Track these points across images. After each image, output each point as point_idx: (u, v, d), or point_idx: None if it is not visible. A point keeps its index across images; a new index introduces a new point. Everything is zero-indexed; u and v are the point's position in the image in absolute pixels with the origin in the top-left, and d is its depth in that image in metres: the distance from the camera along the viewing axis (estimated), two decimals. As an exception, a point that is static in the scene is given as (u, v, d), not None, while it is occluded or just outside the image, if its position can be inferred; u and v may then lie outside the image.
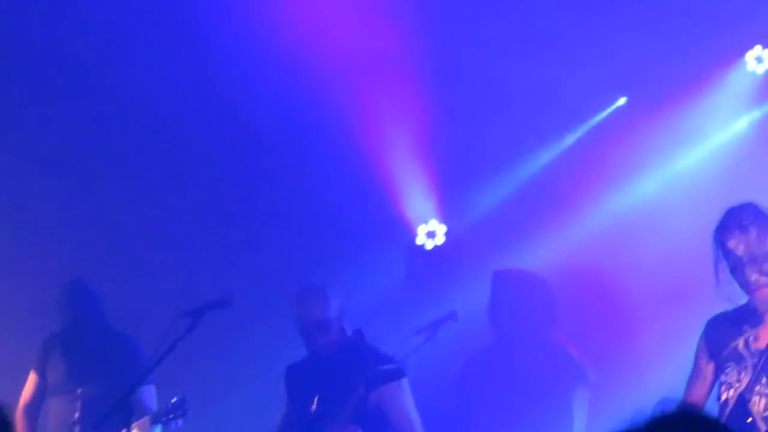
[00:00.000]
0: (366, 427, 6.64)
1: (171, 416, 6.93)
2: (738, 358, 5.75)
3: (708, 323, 5.90)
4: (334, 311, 6.84)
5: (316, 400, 6.75)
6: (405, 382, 6.75)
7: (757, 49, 8.64)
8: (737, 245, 5.77)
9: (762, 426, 5.63)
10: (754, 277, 5.73)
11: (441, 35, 8.61)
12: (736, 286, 5.78)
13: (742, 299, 5.80)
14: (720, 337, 5.83)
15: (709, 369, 5.85)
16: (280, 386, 7.03)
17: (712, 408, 5.77)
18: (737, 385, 5.72)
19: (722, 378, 5.75)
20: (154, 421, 6.97)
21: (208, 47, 8.66)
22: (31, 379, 7.69)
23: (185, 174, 8.94)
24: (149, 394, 7.43)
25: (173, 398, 6.95)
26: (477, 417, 8.03)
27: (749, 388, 5.63)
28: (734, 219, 5.82)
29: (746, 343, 5.79)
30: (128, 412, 6.56)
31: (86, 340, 7.69)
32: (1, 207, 8.65)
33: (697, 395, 5.83)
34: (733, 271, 5.77)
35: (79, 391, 7.53)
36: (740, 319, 5.84)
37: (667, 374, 6.99)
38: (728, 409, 5.64)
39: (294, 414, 6.90)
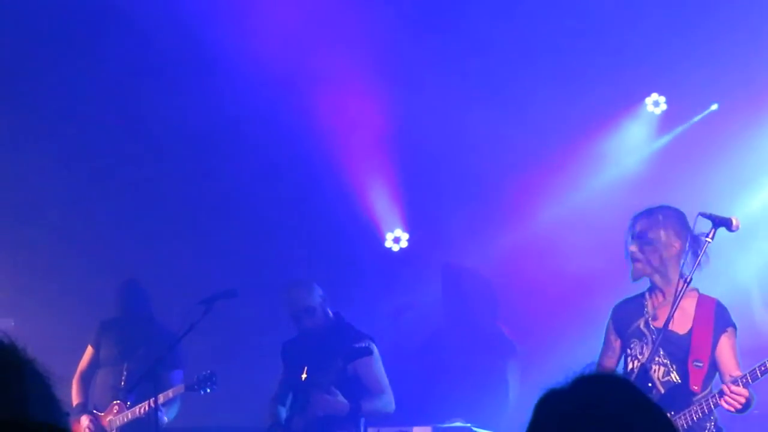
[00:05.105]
0: (346, 390, 7.16)
1: (203, 385, 7.57)
2: (640, 335, 6.21)
3: (614, 309, 6.39)
4: (317, 299, 7.39)
5: (305, 369, 7.32)
6: (376, 356, 7.29)
7: (653, 96, 9.11)
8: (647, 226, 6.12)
9: (661, 389, 6.07)
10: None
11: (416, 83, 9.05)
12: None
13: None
14: (624, 318, 6.30)
15: (617, 344, 6.32)
16: (277, 358, 7.62)
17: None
18: (640, 357, 6.15)
19: (628, 351, 6.23)
20: (188, 389, 7.65)
21: (200, 54, 8.89)
22: (88, 353, 8.23)
23: (204, 193, 9.48)
24: (177, 377, 7.94)
25: (205, 371, 7.57)
26: (434, 382, 8.75)
27: (650, 359, 6.05)
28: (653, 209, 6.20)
29: (646, 323, 6.21)
30: (157, 382, 7.42)
31: (134, 326, 8.16)
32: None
33: (608, 364, 6.30)
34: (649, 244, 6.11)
35: (125, 365, 8.01)
36: (641, 302, 6.28)
37: (578, 349, 7.33)
38: (633, 376, 6.01)
39: (288, 380, 7.48)
